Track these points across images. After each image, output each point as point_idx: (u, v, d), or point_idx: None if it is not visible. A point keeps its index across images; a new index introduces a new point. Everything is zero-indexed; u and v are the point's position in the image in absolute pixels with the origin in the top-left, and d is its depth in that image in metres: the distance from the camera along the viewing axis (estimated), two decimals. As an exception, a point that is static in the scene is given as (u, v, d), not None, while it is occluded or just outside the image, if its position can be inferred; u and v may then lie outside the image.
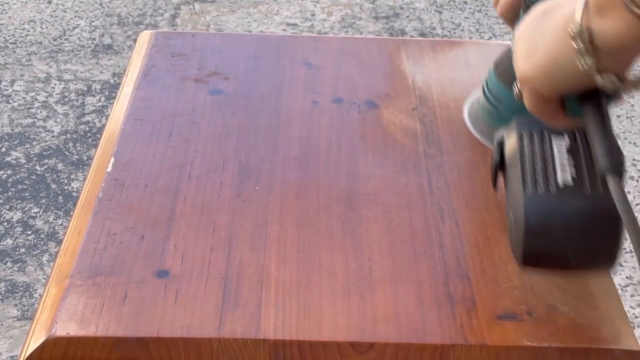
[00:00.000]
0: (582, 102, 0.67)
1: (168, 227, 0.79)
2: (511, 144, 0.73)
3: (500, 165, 0.75)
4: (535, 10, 0.67)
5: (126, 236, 0.78)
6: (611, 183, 0.64)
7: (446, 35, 2.73)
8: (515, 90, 0.70)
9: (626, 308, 1.82)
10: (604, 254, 0.68)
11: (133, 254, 0.76)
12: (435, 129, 0.93)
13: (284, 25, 2.78)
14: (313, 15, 2.84)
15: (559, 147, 0.71)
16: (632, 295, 1.85)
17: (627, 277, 1.89)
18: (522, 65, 0.67)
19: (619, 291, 1.84)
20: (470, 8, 2.91)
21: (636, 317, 1.80)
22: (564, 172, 0.69)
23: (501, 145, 0.75)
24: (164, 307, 0.71)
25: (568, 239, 0.68)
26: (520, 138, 0.72)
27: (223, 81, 1.00)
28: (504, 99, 0.86)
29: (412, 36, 2.72)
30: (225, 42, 1.08)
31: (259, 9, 2.88)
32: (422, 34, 2.72)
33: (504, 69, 0.86)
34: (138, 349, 0.69)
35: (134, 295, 0.72)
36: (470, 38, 2.72)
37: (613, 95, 0.67)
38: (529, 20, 0.67)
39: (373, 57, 1.06)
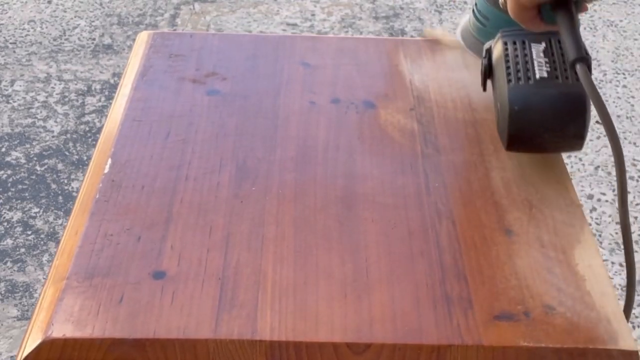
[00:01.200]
0: (555, 9, 0.83)
1: (165, 228, 0.79)
2: (497, 50, 0.88)
3: (488, 70, 0.89)
4: None
5: (123, 237, 0.78)
6: (579, 69, 0.79)
7: (446, 35, 2.73)
8: (501, 0, 0.88)
9: (626, 307, 1.81)
10: (574, 134, 0.83)
11: (130, 255, 0.76)
12: (433, 129, 0.93)
13: (284, 25, 2.78)
14: (313, 15, 2.84)
15: (537, 50, 0.86)
16: (632, 295, 1.85)
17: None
18: None
19: (619, 291, 1.84)
20: (470, 8, 2.91)
21: (636, 317, 1.80)
22: (540, 68, 0.84)
23: (489, 53, 0.89)
24: (160, 309, 0.71)
25: (544, 120, 0.82)
26: (505, 45, 0.87)
27: (221, 82, 1.00)
28: (490, 17, 1.00)
29: (412, 36, 2.72)
30: (223, 42, 1.08)
31: (259, 9, 2.88)
32: (422, 34, 2.72)
33: None
34: (134, 350, 0.69)
35: (130, 296, 0.72)
36: (471, 37, 2.71)
37: (579, 4, 0.83)
38: None
39: (371, 57, 1.06)
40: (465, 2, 2.94)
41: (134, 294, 0.72)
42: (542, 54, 0.85)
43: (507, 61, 0.85)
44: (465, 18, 1.07)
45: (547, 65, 0.84)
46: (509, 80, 0.83)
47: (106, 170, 0.86)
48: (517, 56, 0.85)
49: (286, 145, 0.90)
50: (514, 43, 0.87)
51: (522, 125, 0.83)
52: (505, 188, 0.85)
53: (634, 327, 1.78)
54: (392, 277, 0.75)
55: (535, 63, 0.84)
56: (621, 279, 1.87)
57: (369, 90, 1.00)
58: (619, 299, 0.80)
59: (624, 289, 1.85)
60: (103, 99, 2.42)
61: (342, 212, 0.81)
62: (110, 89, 2.46)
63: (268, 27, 2.77)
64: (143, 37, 1.09)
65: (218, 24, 2.78)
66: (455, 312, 0.71)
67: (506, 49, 0.87)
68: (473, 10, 1.05)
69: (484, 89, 0.91)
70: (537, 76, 0.83)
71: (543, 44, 0.86)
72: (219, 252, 0.76)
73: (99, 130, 2.29)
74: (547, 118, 0.82)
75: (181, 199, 0.83)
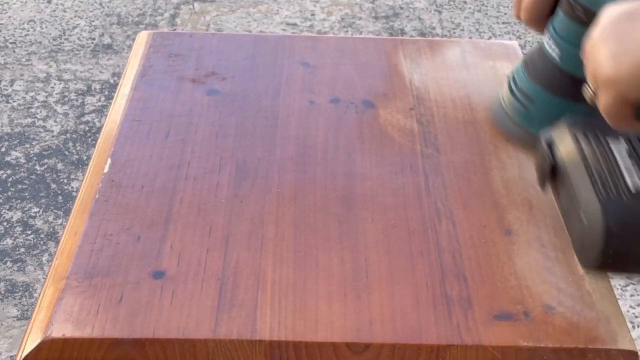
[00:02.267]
0: None
1: (165, 228, 0.79)
2: (567, 147, 0.72)
3: (553, 169, 0.74)
4: (616, 13, 0.66)
5: (123, 237, 0.78)
6: None
7: (446, 35, 2.73)
8: (589, 92, 0.69)
9: (626, 308, 1.82)
10: None
11: (129, 255, 0.76)
12: (433, 129, 0.93)
13: (284, 25, 2.78)
14: (313, 15, 2.84)
15: (620, 151, 0.70)
16: (632, 295, 1.85)
17: (627, 277, 1.89)
18: (611, 67, 0.65)
19: (619, 291, 1.84)
20: (470, 8, 2.91)
21: (636, 317, 1.80)
22: (632, 177, 0.68)
23: (550, 147, 0.74)
24: (160, 309, 0.71)
25: None
26: (577, 140, 0.71)
27: (220, 82, 1.00)
28: (536, 99, 0.86)
29: (412, 36, 2.72)
30: (223, 42, 1.08)
31: (259, 9, 2.88)
32: (422, 34, 2.72)
33: (536, 68, 0.86)
34: (134, 350, 0.69)
35: (130, 296, 0.72)
36: (471, 38, 2.72)
37: None
38: (610, 22, 0.66)
39: (371, 57, 1.06)
40: (465, 2, 2.94)
41: (134, 294, 0.72)
42: (627, 157, 0.69)
43: (586, 166, 0.69)
44: (497, 93, 0.92)
45: (637, 172, 0.68)
46: (598, 193, 0.67)
47: (106, 170, 0.86)
48: (598, 159, 0.69)
49: (286, 146, 0.90)
50: (587, 138, 0.71)
51: (619, 249, 0.68)
52: (505, 188, 0.85)
53: (633, 327, 1.78)
54: (392, 277, 0.75)
55: (624, 170, 0.68)
56: (621, 279, 1.87)
57: (368, 90, 1.00)
58: (618, 299, 0.80)
59: (624, 288, 1.86)
60: (103, 99, 2.42)
61: (342, 212, 0.81)
62: (110, 89, 2.46)
63: (268, 27, 2.77)
64: (143, 37, 1.09)
65: (218, 24, 2.78)
66: (455, 312, 0.71)
67: (580, 147, 0.71)
68: (509, 85, 0.88)
69: (544, 190, 0.77)
70: (632, 189, 0.67)
71: (623, 143, 0.71)
72: (219, 252, 0.76)
73: (99, 130, 2.30)
74: None
75: (181, 199, 0.83)
